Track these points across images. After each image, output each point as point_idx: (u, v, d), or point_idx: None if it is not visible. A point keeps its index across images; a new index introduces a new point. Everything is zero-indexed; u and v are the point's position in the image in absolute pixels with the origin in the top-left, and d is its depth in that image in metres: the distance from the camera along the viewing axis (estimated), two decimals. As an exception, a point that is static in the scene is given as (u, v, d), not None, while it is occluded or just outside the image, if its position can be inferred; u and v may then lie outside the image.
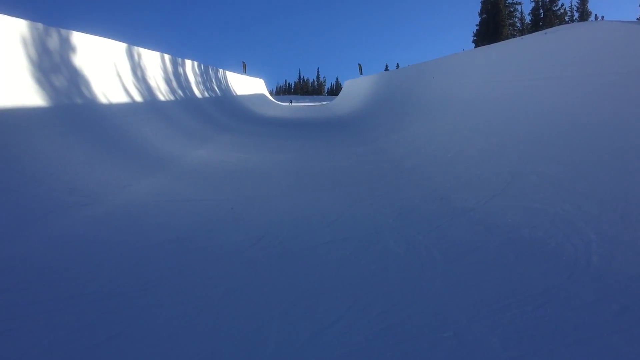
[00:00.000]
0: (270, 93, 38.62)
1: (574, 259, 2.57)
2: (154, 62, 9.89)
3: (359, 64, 28.87)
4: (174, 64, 11.61)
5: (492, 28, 36.93)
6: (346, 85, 29.14)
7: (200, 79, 14.22)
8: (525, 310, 2.06)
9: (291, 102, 40.49)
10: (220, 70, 18.26)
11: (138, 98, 7.95)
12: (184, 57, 12.75)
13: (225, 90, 17.87)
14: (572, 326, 1.92)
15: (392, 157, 6.55)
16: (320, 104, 33.77)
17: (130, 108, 7.30)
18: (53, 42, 5.69)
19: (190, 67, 13.27)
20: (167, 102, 9.57)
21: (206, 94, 14.10)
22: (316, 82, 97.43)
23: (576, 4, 44.30)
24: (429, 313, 2.10)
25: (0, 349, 1.82)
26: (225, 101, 16.03)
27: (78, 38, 6.35)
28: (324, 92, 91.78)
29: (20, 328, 1.97)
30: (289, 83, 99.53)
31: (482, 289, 2.32)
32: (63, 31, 6.00)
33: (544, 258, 2.65)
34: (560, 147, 4.07)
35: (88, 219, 3.51)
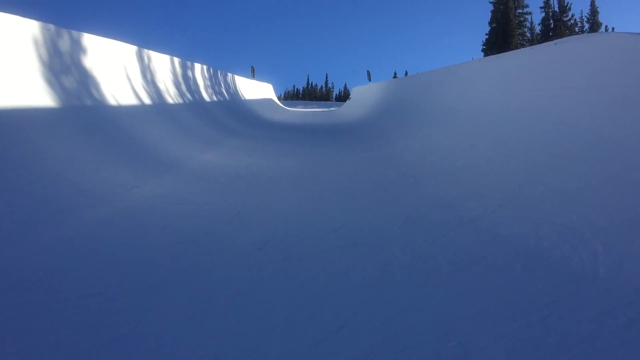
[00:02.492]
0: (279, 98, 38.62)
1: (580, 270, 2.55)
2: (163, 65, 9.95)
3: (367, 71, 28.88)
4: (183, 67, 11.67)
5: (502, 37, 36.87)
6: (354, 91, 29.15)
7: (209, 83, 14.27)
8: (530, 322, 2.05)
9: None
10: (229, 74, 18.33)
11: (147, 100, 8.00)
12: (193, 60, 12.82)
13: (234, 94, 17.93)
14: (577, 338, 1.91)
15: (399, 164, 6.54)
16: (328, 109, 33.79)
17: (138, 110, 7.35)
18: (64, 43, 5.74)
19: (199, 71, 13.33)
20: (175, 105, 9.61)
21: (215, 98, 14.15)
22: (324, 88, 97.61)
23: (587, 15, 44.20)
24: (434, 322, 2.09)
25: (5, 348, 1.82)
26: (234, 105, 16.09)
27: (89, 40, 6.40)
28: (332, 98, 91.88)
29: (25, 328, 1.97)
30: (297, 88, 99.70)
31: (487, 299, 2.31)
32: (74, 33, 6.05)
33: (550, 269, 2.64)
34: (568, 158, 4.05)
35: (94, 220, 3.52)
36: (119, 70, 7.38)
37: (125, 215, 3.73)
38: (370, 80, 27.77)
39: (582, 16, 44.81)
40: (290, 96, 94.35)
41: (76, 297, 2.28)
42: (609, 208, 3.10)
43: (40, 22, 5.21)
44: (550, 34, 37.96)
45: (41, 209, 3.45)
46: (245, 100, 19.48)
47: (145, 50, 8.81)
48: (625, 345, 1.84)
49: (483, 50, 39.02)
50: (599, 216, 3.06)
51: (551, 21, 40.06)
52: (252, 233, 3.43)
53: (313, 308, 2.25)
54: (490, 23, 38.85)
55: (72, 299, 2.25)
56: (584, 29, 42.74)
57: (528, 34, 41.09)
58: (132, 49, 8.16)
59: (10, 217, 3.16)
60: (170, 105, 9.34)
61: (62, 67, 5.55)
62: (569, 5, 39.70)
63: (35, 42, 5.06)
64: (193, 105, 11.01)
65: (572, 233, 3.00)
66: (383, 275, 2.66)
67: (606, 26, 44.02)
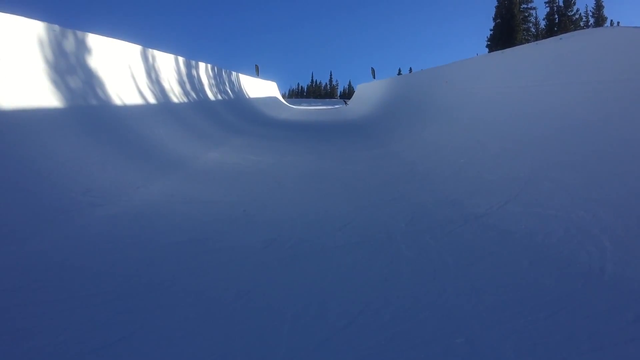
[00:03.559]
0: (283, 96, 38.60)
1: (588, 266, 2.54)
2: (168, 64, 9.96)
3: (371, 68, 28.76)
4: (188, 67, 11.68)
5: (506, 33, 36.76)
6: (359, 89, 29.09)
7: (213, 82, 14.29)
8: (538, 318, 2.04)
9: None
10: (234, 73, 18.33)
11: (152, 100, 8.02)
12: (197, 59, 12.83)
13: (239, 93, 17.94)
14: (586, 334, 1.90)
15: (405, 161, 6.53)
16: (332, 107, 33.77)
17: (144, 110, 7.36)
18: (69, 43, 5.76)
19: (203, 70, 13.35)
20: (180, 105, 9.63)
21: (219, 97, 14.17)
22: (329, 86, 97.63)
23: (591, 10, 43.97)
24: (441, 319, 2.09)
25: (14, 347, 1.84)
26: (238, 104, 16.10)
27: (94, 40, 6.42)
28: (337, 95, 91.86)
29: (34, 326, 1.99)
30: (301, 86, 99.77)
31: (494, 295, 2.30)
32: (79, 33, 6.07)
33: (558, 265, 2.63)
34: (575, 154, 4.04)
35: (102, 220, 3.54)
36: (124, 70, 7.40)
37: (133, 214, 3.75)
38: (374, 78, 27.69)
39: (587, 11, 44.58)
40: (294, 94, 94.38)
41: (84, 295, 2.29)
42: (617, 204, 3.08)
43: (45, 23, 5.22)
44: (555, 28, 37.81)
45: (50, 208, 3.47)
46: (250, 98, 19.49)
47: (150, 49, 8.83)
48: (633, 342, 1.84)
49: (487, 46, 38.93)
50: (606, 212, 3.05)
51: (556, 16, 39.90)
52: (258, 231, 3.44)
53: (320, 306, 2.25)
54: (494, 18, 38.76)
55: (81, 298, 2.26)
56: (589, 24, 42.51)
57: (533, 29, 40.95)
58: (136, 48, 8.17)
59: (20, 217, 3.19)
60: (175, 104, 9.36)
61: (68, 68, 5.57)
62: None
63: (41, 43, 5.08)
64: (198, 104, 11.03)
65: (579, 229, 2.99)
66: (390, 272, 2.66)
67: (611, 20, 43.83)
